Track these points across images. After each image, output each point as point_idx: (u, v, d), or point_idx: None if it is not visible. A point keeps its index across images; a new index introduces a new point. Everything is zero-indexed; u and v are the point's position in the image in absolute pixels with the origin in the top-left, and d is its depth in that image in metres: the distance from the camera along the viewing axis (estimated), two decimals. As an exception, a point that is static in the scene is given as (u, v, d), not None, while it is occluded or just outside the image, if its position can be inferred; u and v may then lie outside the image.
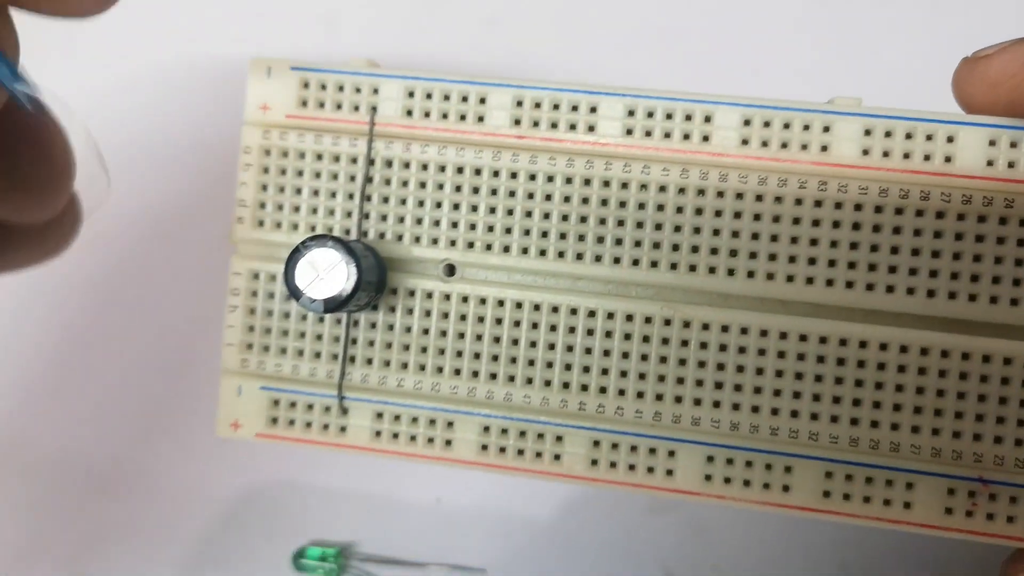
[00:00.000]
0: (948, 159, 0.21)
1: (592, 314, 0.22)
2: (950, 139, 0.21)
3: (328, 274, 0.21)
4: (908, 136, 0.21)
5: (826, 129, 0.21)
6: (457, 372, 0.23)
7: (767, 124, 0.22)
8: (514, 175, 0.22)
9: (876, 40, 0.34)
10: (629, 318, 0.22)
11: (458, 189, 0.23)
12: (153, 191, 0.36)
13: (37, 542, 0.35)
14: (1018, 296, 0.21)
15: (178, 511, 0.35)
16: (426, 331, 0.23)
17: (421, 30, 0.36)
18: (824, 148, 0.21)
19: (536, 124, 0.22)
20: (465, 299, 0.23)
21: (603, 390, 0.22)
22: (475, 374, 0.23)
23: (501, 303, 0.23)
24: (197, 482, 0.35)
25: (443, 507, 0.34)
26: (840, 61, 0.33)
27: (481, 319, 0.23)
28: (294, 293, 0.21)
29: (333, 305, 0.21)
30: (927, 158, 0.21)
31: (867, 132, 0.21)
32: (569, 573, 0.33)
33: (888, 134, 0.21)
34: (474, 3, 0.36)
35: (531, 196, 0.22)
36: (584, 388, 0.22)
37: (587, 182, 0.22)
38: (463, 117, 0.23)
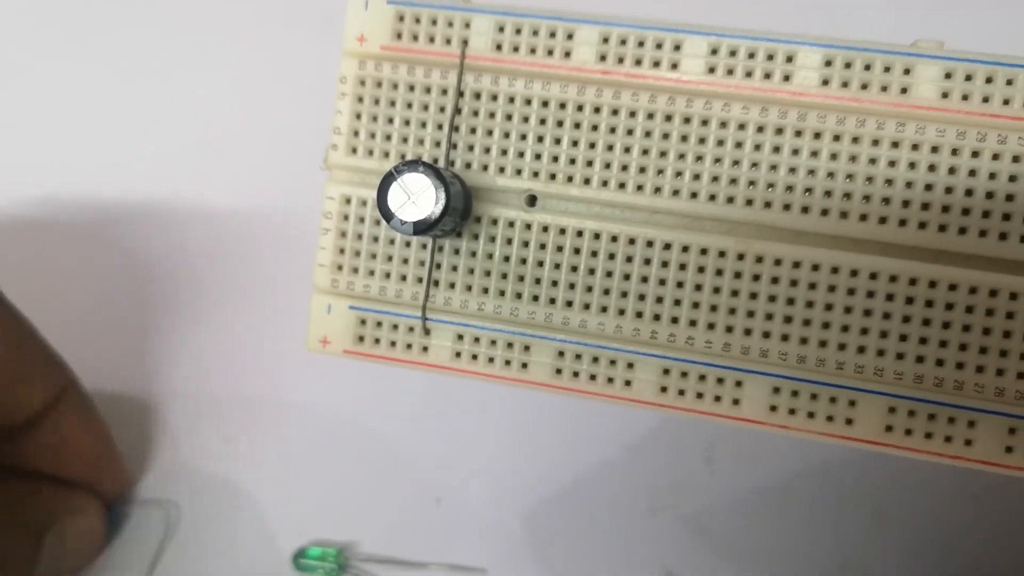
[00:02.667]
0: (1028, 104, 0.21)
1: (668, 247, 0.23)
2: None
3: (418, 198, 0.22)
4: (988, 80, 0.21)
5: (907, 71, 0.22)
6: (535, 298, 0.24)
7: (848, 65, 0.22)
8: (597, 109, 0.23)
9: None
10: (704, 251, 0.23)
11: (543, 122, 0.23)
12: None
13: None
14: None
15: (178, 510, 0.36)
16: (507, 258, 0.24)
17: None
18: (904, 90, 0.22)
19: (621, 60, 0.23)
20: (545, 229, 0.24)
21: (675, 320, 0.23)
22: (552, 301, 0.24)
23: (580, 233, 0.24)
24: (197, 482, 0.36)
25: (443, 507, 0.35)
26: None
27: (560, 248, 0.24)
28: (386, 215, 0.22)
29: (422, 227, 0.22)
30: (1006, 102, 0.21)
31: (947, 75, 0.22)
32: (569, 573, 0.33)
33: (968, 77, 0.22)
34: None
35: (613, 131, 0.23)
36: (656, 318, 0.23)
37: (668, 118, 0.23)
38: (551, 52, 0.23)
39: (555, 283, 0.24)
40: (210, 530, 0.36)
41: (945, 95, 0.22)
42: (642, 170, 0.23)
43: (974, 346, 0.22)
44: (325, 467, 0.36)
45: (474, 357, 0.24)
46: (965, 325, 0.22)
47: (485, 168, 0.24)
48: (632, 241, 0.23)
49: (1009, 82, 0.21)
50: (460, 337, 0.24)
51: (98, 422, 0.32)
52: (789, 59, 0.22)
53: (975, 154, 0.22)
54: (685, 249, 0.23)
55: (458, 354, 0.24)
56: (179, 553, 0.35)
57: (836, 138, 0.22)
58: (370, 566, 0.34)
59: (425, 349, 0.25)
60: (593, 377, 0.24)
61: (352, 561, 0.34)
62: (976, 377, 0.22)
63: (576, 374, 0.24)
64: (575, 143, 0.23)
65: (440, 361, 0.24)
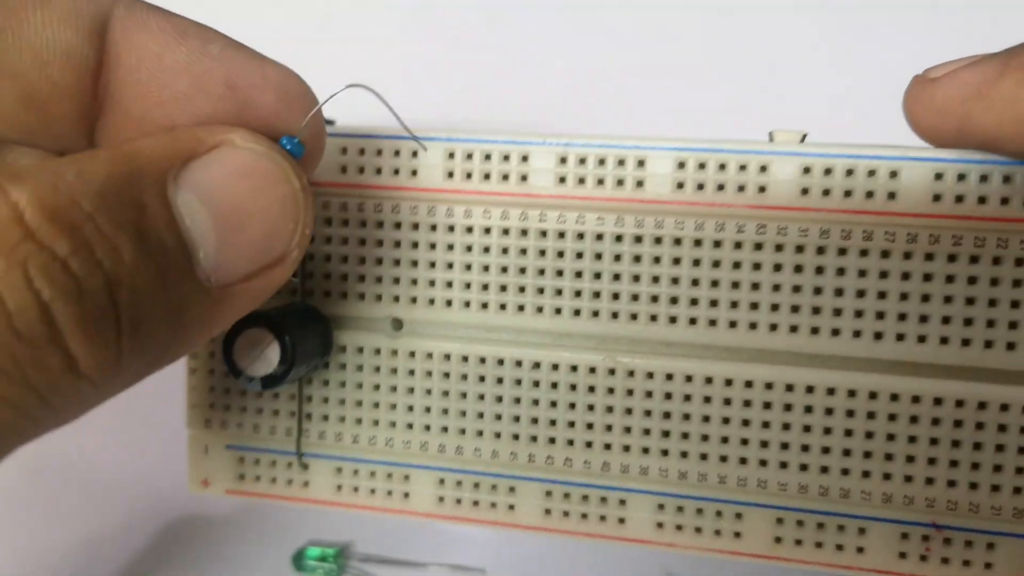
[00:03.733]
0: (892, 195, 0.20)
1: (537, 366, 0.22)
2: (893, 174, 0.20)
3: (264, 352, 0.21)
4: (849, 173, 0.20)
5: (763, 169, 0.21)
6: (410, 426, 0.23)
7: (702, 166, 0.21)
8: (451, 228, 0.22)
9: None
10: (573, 369, 0.22)
11: (397, 245, 0.22)
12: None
13: (38, 543, 0.36)
14: (969, 336, 0.20)
15: (178, 511, 0.36)
16: (376, 387, 0.23)
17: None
18: (762, 189, 0.21)
19: (469, 176, 0.22)
20: (412, 354, 0.23)
21: (552, 440, 0.22)
22: (427, 428, 0.23)
23: (447, 357, 0.23)
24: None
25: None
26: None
27: (428, 373, 0.23)
28: (233, 371, 0.21)
29: (271, 383, 0.21)
30: (869, 195, 0.20)
31: (806, 170, 0.20)
32: (568, 573, 0.33)
33: (828, 171, 0.20)
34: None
35: (469, 249, 0.22)
36: (533, 439, 0.22)
37: (523, 233, 0.22)
38: (396, 172, 0.22)
39: (428, 409, 0.23)
40: (210, 530, 0.36)
41: (805, 191, 0.20)
42: (502, 288, 0.22)
43: (857, 451, 0.21)
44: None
45: (355, 489, 0.24)
46: (847, 430, 0.21)
47: (344, 296, 0.23)
48: (500, 362, 0.22)
49: (871, 173, 0.20)
50: (339, 470, 0.24)
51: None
52: (640, 163, 0.21)
53: (842, 252, 0.20)
54: (555, 367, 0.22)
55: (339, 487, 0.24)
56: (179, 553, 0.35)
57: (697, 243, 0.21)
58: (370, 566, 0.34)
59: (306, 484, 0.24)
60: (476, 503, 0.23)
61: (352, 561, 0.34)
62: (862, 483, 0.21)
63: (459, 501, 0.23)
64: (432, 264, 0.22)
65: (322, 496, 0.24)
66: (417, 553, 0.34)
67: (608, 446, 0.22)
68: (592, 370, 0.22)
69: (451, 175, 0.22)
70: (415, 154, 0.22)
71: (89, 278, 0.14)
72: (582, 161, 0.21)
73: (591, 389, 0.22)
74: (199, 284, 0.17)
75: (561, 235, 0.22)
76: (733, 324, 0.21)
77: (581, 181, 0.21)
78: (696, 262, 0.21)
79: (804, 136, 0.21)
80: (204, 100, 0.18)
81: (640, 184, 0.21)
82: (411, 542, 0.34)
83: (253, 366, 0.21)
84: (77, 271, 0.14)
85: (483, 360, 0.22)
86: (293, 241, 0.18)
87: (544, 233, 0.22)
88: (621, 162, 0.21)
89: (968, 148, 0.20)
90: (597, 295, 0.22)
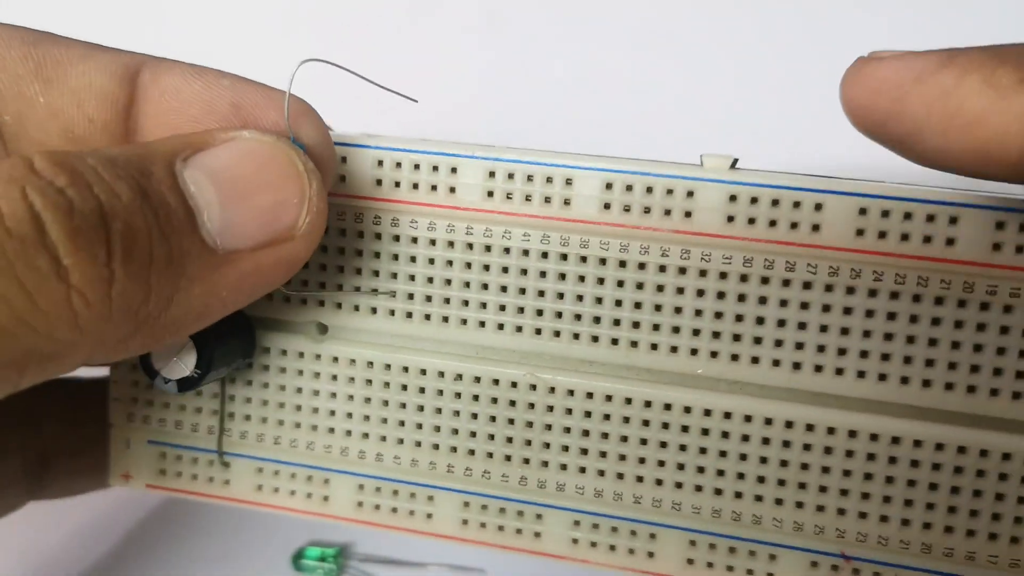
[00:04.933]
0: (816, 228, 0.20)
1: (459, 377, 0.22)
2: (818, 207, 0.20)
3: (181, 354, 0.21)
4: (774, 203, 0.20)
5: (690, 195, 0.20)
6: (331, 430, 0.23)
7: (628, 188, 0.21)
8: (378, 236, 0.22)
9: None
10: (495, 382, 0.22)
11: (324, 250, 0.22)
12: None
13: (38, 547, 0.36)
14: (887, 372, 0.20)
15: (178, 510, 0.36)
16: (299, 390, 0.23)
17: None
18: (687, 214, 0.20)
19: (397, 184, 0.22)
20: (335, 359, 0.23)
21: (471, 452, 0.22)
22: (348, 433, 0.23)
23: (370, 364, 0.22)
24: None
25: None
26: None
27: (351, 379, 0.23)
28: (148, 372, 0.21)
29: (187, 386, 0.21)
30: (794, 226, 0.20)
31: (732, 198, 0.20)
32: (568, 573, 0.33)
33: (754, 200, 0.20)
34: None
35: (396, 258, 0.22)
36: (453, 449, 0.22)
37: (450, 244, 0.22)
38: (343, 178, 0.22)
39: (349, 415, 0.23)
40: (210, 529, 0.36)
41: (730, 219, 0.20)
42: (428, 299, 0.22)
43: (772, 479, 0.21)
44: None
45: (275, 490, 0.24)
46: (762, 457, 0.21)
47: (270, 298, 0.23)
48: (423, 372, 0.22)
49: (796, 205, 0.20)
50: (260, 470, 0.24)
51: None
52: (568, 182, 0.21)
53: (764, 280, 0.20)
54: (476, 380, 0.22)
55: (259, 487, 0.24)
56: (179, 552, 0.35)
57: (622, 264, 0.21)
58: (369, 566, 0.34)
59: (227, 482, 0.24)
60: (395, 510, 0.23)
61: (352, 561, 0.34)
62: (774, 511, 0.21)
63: (377, 507, 0.23)
64: (358, 271, 0.22)
65: (242, 495, 0.24)
66: (417, 553, 0.34)
67: (527, 460, 0.22)
68: (514, 384, 0.22)
69: (379, 183, 0.22)
70: (344, 159, 0.22)
71: (82, 202, 0.16)
72: (510, 176, 0.21)
73: (512, 403, 0.22)
74: (202, 242, 0.18)
75: (487, 249, 0.21)
76: (654, 347, 0.21)
77: (508, 196, 0.21)
78: (620, 283, 0.21)
79: (735, 161, 0.21)
80: (212, 120, 0.20)
81: (567, 203, 0.21)
82: (411, 542, 0.34)
83: (169, 368, 0.21)
84: (71, 195, 0.16)
85: (406, 369, 0.22)
86: (301, 216, 0.19)
87: (470, 246, 0.21)
88: (549, 179, 0.21)
89: (889, 140, 0.19)
90: (521, 310, 0.21)
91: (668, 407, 0.21)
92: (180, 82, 0.20)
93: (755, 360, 0.21)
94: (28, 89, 0.20)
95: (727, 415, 0.21)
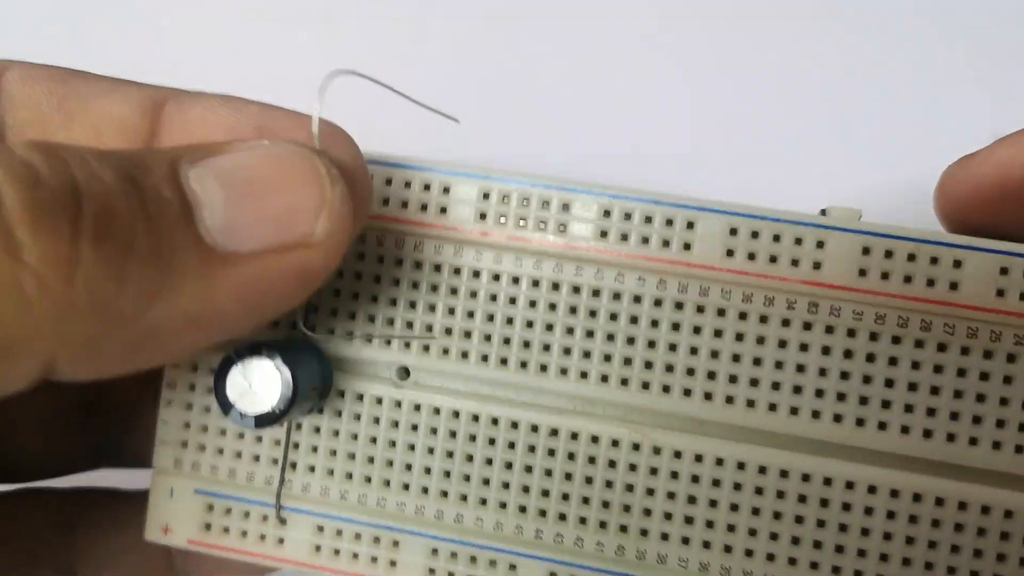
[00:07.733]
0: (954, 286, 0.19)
1: (554, 433, 0.20)
2: (957, 264, 0.19)
3: (261, 387, 0.19)
4: (911, 258, 0.19)
5: (820, 245, 0.19)
6: (406, 487, 0.21)
7: (755, 235, 0.20)
8: (476, 274, 0.20)
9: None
10: (595, 440, 0.20)
11: (415, 286, 0.21)
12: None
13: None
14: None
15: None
16: (373, 440, 0.21)
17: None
18: (816, 265, 0.19)
19: (503, 219, 0.20)
20: (417, 408, 0.21)
21: (563, 517, 0.20)
22: (425, 491, 0.21)
23: (456, 415, 0.21)
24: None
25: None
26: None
27: (434, 431, 0.21)
28: (224, 406, 0.19)
29: (266, 422, 0.19)
30: (931, 283, 0.19)
31: (865, 251, 0.19)
32: None
33: (888, 254, 0.19)
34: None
35: (494, 298, 0.20)
36: (542, 514, 0.20)
37: (555, 287, 0.20)
38: (424, 207, 0.21)
39: (428, 470, 0.21)
40: None
41: (863, 272, 0.19)
42: (526, 344, 0.20)
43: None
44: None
45: (336, 552, 0.21)
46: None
47: (350, 335, 0.21)
48: (515, 425, 0.20)
49: (934, 261, 0.19)
50: (320, 529, 0.21)
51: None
52: (689, 226, 0.20)
53: (896, 340, 0.19)
54: (574, 436, 0.20)
55: (318, 548, 0.21)
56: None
57: (742, 316, 0.20)
58: None
59: (281, 541, 0.21)
60: (470, 579, 0.21)
61: None
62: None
63: (451, 575, 0.21)
64: (451, 311, 0.21)
65: (298, 556, 0.21)
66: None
67: (624, 528, 0.20)
68: (615, 443, 0.20)
69: (483, 216, 0.20)
70: (446, 190, 0.21)
71: (52, 177, 0.14)
72: (627, 216, 0.20)
73: (612, 464, 0.20)
74: (197, 237, 0.16)
75: (596, 293, 0.20)
76: (773, 407, 0.20)
77: (624, 237, 0.20)
78: (739, 336, 0.20)
79: (859, 215, 0.20)
80: None
81: (687, 247, 0.20)
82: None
83: (246, 401, 0.19)
84: (40, 169, 0.14)
85: (495, 421, 0.20)
86: (318, 222, 0.17)
87: (577, 289, 0.20)
88: (669, 222, 0.20)
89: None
90: (628, 362, 0.20)
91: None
92: (205, 110, 0.20)
93: (882, 426, 0.19)
94: (50, 123, 0.20)
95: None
